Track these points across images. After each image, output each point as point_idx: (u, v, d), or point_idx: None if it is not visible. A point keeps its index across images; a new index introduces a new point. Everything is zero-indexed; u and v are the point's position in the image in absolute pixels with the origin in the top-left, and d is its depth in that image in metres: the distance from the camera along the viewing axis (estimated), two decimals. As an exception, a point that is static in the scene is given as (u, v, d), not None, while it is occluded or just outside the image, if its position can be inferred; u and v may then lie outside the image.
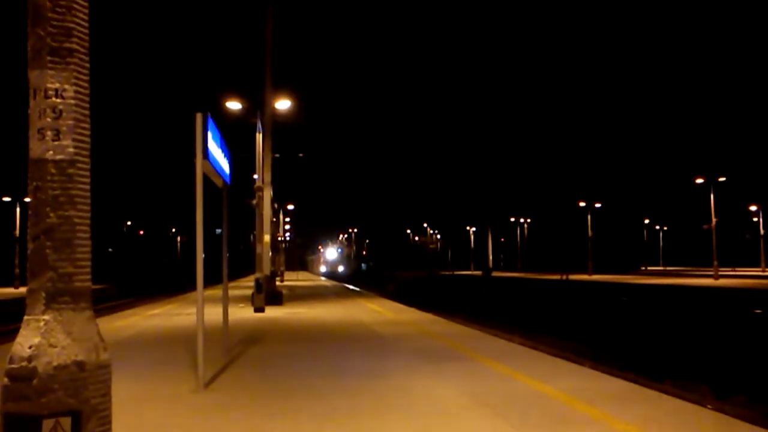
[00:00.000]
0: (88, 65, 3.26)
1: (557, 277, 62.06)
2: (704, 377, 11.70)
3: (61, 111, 3.15)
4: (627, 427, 5.70)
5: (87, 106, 3.26)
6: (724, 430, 5.69)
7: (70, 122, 3.16)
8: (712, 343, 16.33)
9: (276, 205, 45.82)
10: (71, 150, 3.17)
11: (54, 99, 3.14)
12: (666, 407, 6.61)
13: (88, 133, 3.26)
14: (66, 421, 2.96)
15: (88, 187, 3.25)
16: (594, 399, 6.81)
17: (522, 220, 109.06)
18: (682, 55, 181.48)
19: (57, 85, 3.14)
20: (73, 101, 3.17)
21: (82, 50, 3.24)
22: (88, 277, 3.24)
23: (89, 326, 3.16)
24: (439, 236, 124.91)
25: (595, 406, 6.47)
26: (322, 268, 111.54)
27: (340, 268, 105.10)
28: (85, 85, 3.25)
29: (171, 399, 7.22)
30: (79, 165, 3.20)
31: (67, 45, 3.17)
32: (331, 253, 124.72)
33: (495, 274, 78.60)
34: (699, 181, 55.38)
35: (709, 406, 7.55)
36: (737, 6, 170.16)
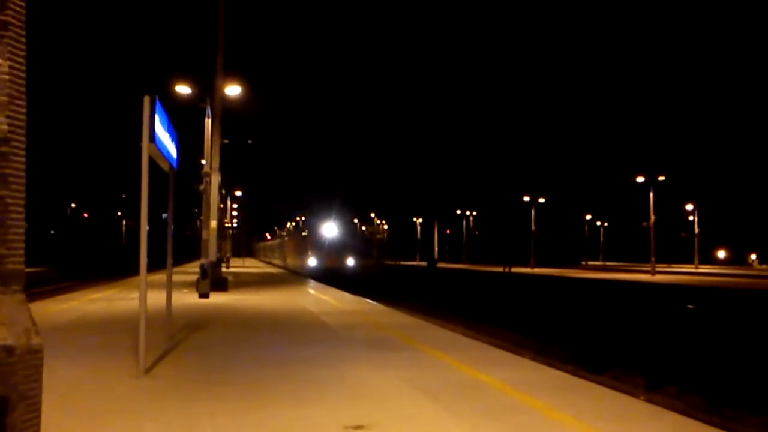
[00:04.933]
0: (24, 40, 3.15)
1: (500, 269, 62.95)
2: (639, 369, 12.07)
3: (-7, 86, 3.03)
4: (562, 416, 5.84)
5: (23, 82, 3.14)
6: (652, 420, 5.88)
7: (4, 98, 3.05)
8: (648, 337, 16.83)
9: (224, 191, 45.26)
10: (4, 127, 3.06)
11: (-14, 73, 3.02)
12: (601, 398, 6.80)
13: (23, 110, 3.15)
14: (-8, 407, 2.87)
15: (23, 166, 3.15)
16: (533, 389, 6.95)
17: (468, 213, 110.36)
18: (625, 56, 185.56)
19: (-11, 59, 3.03)
20: (6, 76, 3.06)
21: (18, 24, 3.12)
22: (21, 259, 3.14)
23: (20, 310, 3.07)
24: (386, 226, 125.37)
25: (533, 396, 6.61)
26: (310, 261, 52.53)
27: (350, 262, 51.36)
28: (21, 60, 3.13)
29: (110, 385, 7.08)
30: (13, 143, 3.09)
31: (1, 18, 3.05)
32: (329, 229, 57.86)
33: (440, 265, 79.35)
34: (639, 179, 56.73)
35: (641, 397, 7.80)
36: (674, 8, 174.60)
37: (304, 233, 54.27)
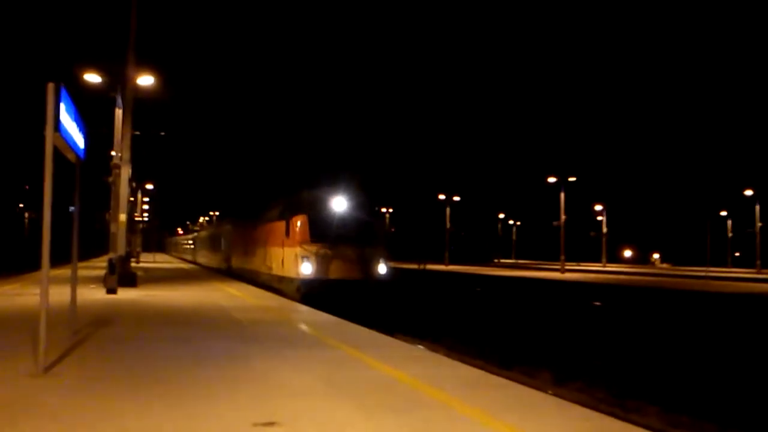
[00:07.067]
0: None
1: (415, 266, 63.67)
2: (547, 364, 12.45)
3: None
4: (472, 410, 5.95)
5: None
6: (559, 413, 6.07)
7: None
8: (556, 333, 17.39)
9: (134, 184, 43.85)
10: None
11: None
12: (511, 393, 6.97)
13: None
14: None
15: None
16: (444, 384, 7.06)
17: (384, 210, 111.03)
18: (537, 60, 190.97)
19: None
20: None
21: None
22: None
23: None
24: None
25: (444, 391, 6.71)
26: (304, 267, 18.93)
27: (382, 269, 20.20)
28: None
29: (4, 383, 6.73)
30: None
31: None
32: (339, 203, 20.03)
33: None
34: (551, 180, 58.43)
35: (549, 392, 8.04)
36: (581, 12, 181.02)
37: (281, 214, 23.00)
